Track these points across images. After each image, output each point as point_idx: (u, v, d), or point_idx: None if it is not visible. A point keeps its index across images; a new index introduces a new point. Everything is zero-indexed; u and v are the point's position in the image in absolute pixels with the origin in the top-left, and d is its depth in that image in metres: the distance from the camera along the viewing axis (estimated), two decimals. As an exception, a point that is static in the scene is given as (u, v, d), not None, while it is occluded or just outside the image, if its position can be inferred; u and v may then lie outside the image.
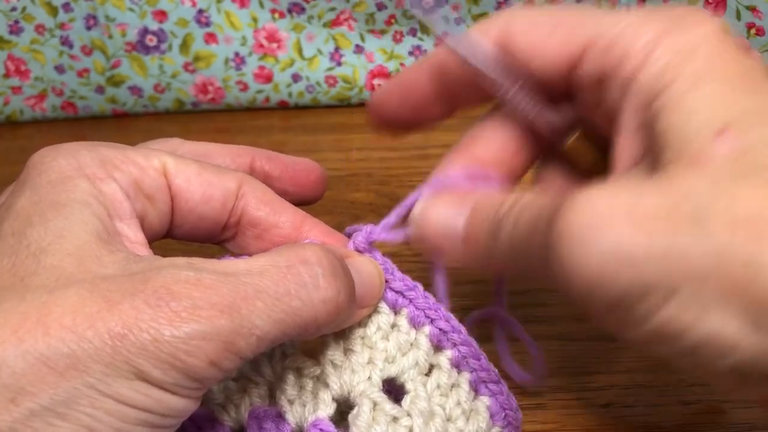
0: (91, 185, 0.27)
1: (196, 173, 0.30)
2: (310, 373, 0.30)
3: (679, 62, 0.26)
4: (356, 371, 0.30)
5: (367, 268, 0.30)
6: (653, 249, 0.23)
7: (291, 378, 0.30)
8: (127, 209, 0.28)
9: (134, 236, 0.28)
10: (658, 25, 0.27)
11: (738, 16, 0.46)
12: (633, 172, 0.27)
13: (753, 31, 0.46)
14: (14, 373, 0.22)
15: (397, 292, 0.32)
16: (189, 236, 0.31)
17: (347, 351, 0.31)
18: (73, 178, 0.27)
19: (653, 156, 0.25)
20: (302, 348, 0.31)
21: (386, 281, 0.32)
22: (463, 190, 0.31)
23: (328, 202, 0.48)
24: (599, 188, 0.25)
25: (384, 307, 0.31)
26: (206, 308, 0.24)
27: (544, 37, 0.30)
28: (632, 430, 0.34)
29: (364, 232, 0.32)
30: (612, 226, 0.23)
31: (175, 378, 0.24)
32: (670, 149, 0.25)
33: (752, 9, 0.46)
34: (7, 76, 0.55)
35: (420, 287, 0.32)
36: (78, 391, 0.23)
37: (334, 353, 0.30)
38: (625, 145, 0.27)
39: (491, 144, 0.33)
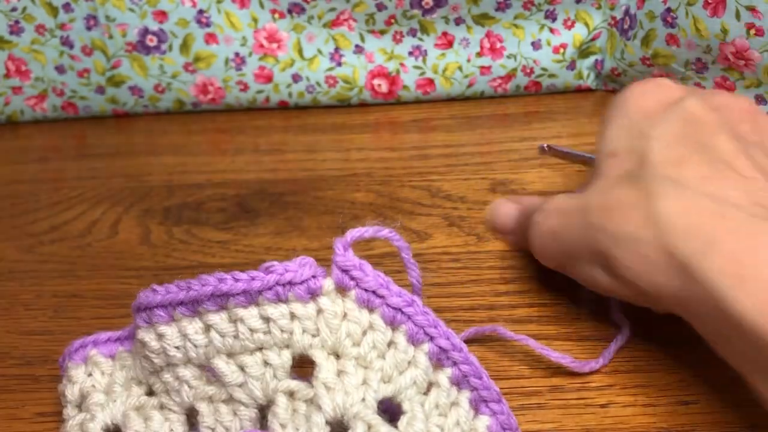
0: None
1: None
2: (303, 395, 0.30)
3: None
4: (350, 393, 0.29)
5: None
6: (563, 229, 0.35)
7: (283, 401, 0.30)
8: None
9: None
10: None
11: (737, 17, 0.46)
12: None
13: (752, 31, 0.46)
14: None
15: (394, 308, 0.31)
16: None
17: (340, 372, 0.30)
18: None
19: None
20: (295, 371, 0.31)
21: (382, 297, 0.31)
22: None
23: (328, 202, 0.48)
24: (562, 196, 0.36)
25: (380, 324, 0.31)
26: None
27: None
28: (632, 430, 0.34)
29: (342, 241, 0.31)
30: (551, 216, 0.36)
31: None
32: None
33: (752, 9, 0.46)
34: (7, 76, 0.55)
35: (419, 302, 0.31)
36: None
37: (326, 375, 0.30)
38: None
39: None
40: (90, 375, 0.34)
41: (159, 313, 0.31)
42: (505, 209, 0.41)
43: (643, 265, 0.31)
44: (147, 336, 0.32)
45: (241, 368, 0.31)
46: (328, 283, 0.31)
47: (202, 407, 0.31)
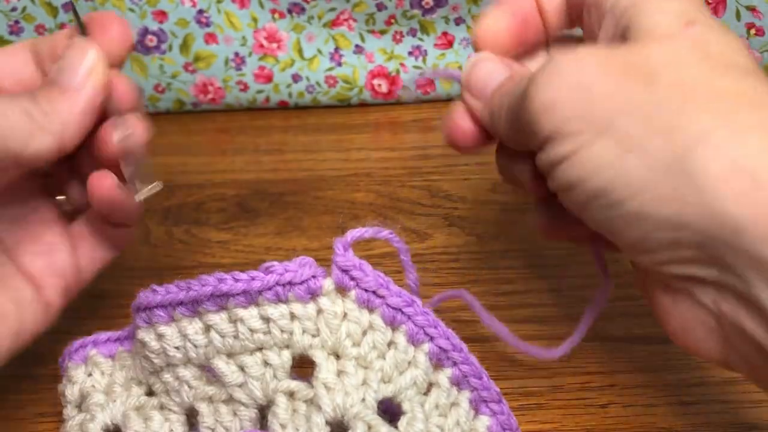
0: None
1: None
2: (303, 396, 0.30)
3: None
4: (350, 393, 0.29)
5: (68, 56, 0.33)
6: (606, 89, 0.27)
7: (283, 401, 0.30)
8: None
9: None
10: None
11: (738, 17, 0.46)
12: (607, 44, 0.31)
13: (753, 31, 0.46)
14: None
15: (394, 308, 0.31)
16: None
17: (340, 372, 0.30)
18: None
19: (624, 37, 0.29)
20: (295, 371, 0.31)
21: (382, 297, 0.31)
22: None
23: (328, 202, 0.48)
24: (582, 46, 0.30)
25: (380, 324, 0.31)
26: None
27: None
28: (632, 430, 0.34)
29: (342, 241, 0.31)
30: (583, 64, 0.27)
31: None
32: (641, 30, 0.28)
33: (752, 9, 0.46)
34: (7, 76, 0.55)
35: (418, 302, 0.31)
36: None
37: (326, 375, 0.30)
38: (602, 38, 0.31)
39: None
40: (90, 375, 0.34)
41: (159, 313, 0.31)
42: (490, 66, 0.33)
43: None
44: (147, 336, 0.32)
45: (241, 368, 0.31)
46: (328, 283, 0.31)
47: (202, 407, 0.31)
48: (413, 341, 0.31)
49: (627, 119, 0.26)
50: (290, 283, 0.30)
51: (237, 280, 0.30)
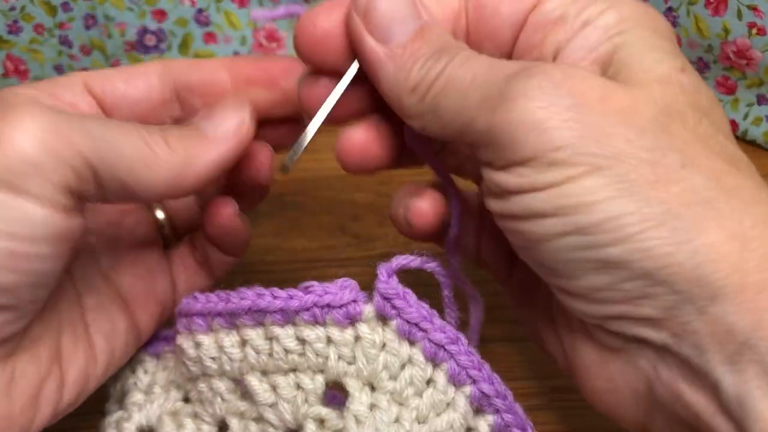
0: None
1: (114, 71, 0.32)
2: (333, 426, 0.29)
3: (624, 23, 0.27)
4: (380, 429, 0.28)
5: (220, 112, 0.30)
6: (608, 122, 0.24)
7: (312, 428, 0.29)
8: None
9: None
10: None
11: (739, 16, 0.46)
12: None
13: (754, 30, 0.46)
14: None
15: (437, 344, 0.29)
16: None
17: (373, 406, 0.29)
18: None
19: (606, 66, 0.27)
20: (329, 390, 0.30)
21: (425, 330, 0.29)
22: None
23: (328, 202, 0.48)
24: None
25: (420, 359, 0.29)
26: (36, 106, 0.26)
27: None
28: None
29: (386, 267, 0.29)
30: (581, 88, 0.25)
31: (13, 170, 0.24)
32: (635, 69, 0.26)
33: (753, 8, 0.46)
34: (6, 75, 0.55)
35: (463, 340, 0.29)
36: None
37: (358, 407, 0.28)
38: None
39: None
40: (134, 372, 0.34)
41: (198, 321, 0.31)
42: (400, 3, 0.28)
43: None
44: (186, 343, 0.31)
45: (273, 388, 0.30)
46: (368, 310, 0.29)
47: (233, 422, 0.31)
48: (454, 382, 0.29)
49: (630, 162, 0.24)
50: (329, 306, 0.29)
51: (275, 297, 0.29)
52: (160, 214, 0.35)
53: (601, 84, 0.25)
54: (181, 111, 0.33)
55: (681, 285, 0.24)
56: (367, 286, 0.31)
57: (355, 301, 0.29)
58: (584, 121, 0.24)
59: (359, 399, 0.28)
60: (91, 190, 0.27)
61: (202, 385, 0.32)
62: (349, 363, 0.29)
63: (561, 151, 0.24)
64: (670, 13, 0.49)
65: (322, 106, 0.29)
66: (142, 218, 0.35)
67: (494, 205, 0.27)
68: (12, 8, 0.52)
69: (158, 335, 0.34)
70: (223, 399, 0.31)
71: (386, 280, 0.29)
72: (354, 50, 0.28)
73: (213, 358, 0.31)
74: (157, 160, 0.28)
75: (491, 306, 0.40)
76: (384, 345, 0.29)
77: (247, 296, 0.30)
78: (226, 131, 0.30)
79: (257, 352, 0.30)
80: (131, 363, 0.34)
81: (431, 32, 0.27)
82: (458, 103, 0.26)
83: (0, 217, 0.24)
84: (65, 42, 0.53)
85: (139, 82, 0.32)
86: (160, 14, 0.52)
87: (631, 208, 0.24)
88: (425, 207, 0.30)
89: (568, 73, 0.25)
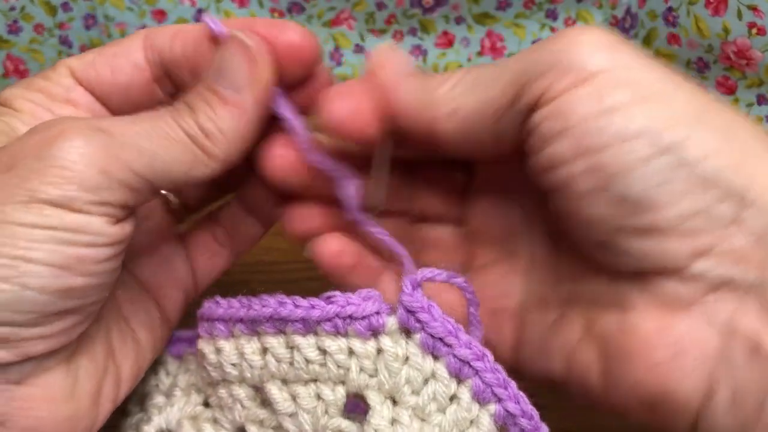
0: (3, 106, 0.30)
1: (97, 54, 0.31)
2: None
3: None
4: None
5: (227, 58, 0.29)
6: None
7: None
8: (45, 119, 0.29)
9: None
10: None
11: (739, 16, 0.46)
12: None
13: (754, 30, 0.46)
14: None
15: (462, 360, 0.28)
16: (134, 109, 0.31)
17: (394, 421, 0.28)
18: None
19: None
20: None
21: (450, 345, 0.28)
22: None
23: (327, 202, 0.48)
24: None
25: (444, 374, 0.28)
26: (84, 127, 0.26)
27: None
28: (633, 431, 0.34)
29: (411, 279, 0.28)
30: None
31: (68, 191, 0.25)
32: None
33: (753, 8, 0.46)
34: (5, 75, 0.55)
35: (490, 356, 0.28)
36: None
37: (379, 422, 0.28)
38: None
39: None
40: (156, 373, 0.33)
41: (219, 326, 0.30)
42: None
43: None
44: (206, 348, 0.31)
45: (294, 398, 0.29)
46: (391, 322, 0.28)
47: (252, 430, 0.30)
48: (479, 399, 0.28)
49: None
50: (351, 317, 0.28)
51: (297, 306, 0.29)
52: (172, 197, 0.35)
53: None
54: (172, 86, 0.32)
55: None
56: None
57: (378, 312, 0.28)
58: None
59: (380, 413, 0.28)
60: (148, 198, 0.28)
61: (222, 391, 0.31)
62: (371, 376, 0.28)
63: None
64: (670, 13, 0.49)
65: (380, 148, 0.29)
66: (153, 206, 0.34)
67: (568, 148, 0.25)
68: (12, 8, 0.52)
69: (180, 336, 0.34)
70: (243, 406, 0.31)
71: (411, 293, 0.28)
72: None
73: (234, 365, 0.30)
74: (207, 157, 0.28)
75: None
76: (407, 359, 0.28)
77: (269, 304, 0.29)
78: (245, 84, 0.28)
79: (278, 361, 0.29)
80: (153, 364, 0.34)
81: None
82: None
83: (64, 229, 0.25)
84: (65, 42, 0.53)
85: (124, 64, 0.31)
86: (160, 14, 0.52)
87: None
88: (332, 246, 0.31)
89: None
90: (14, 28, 0.53)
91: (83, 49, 0.54)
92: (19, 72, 0.55)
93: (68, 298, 0.26)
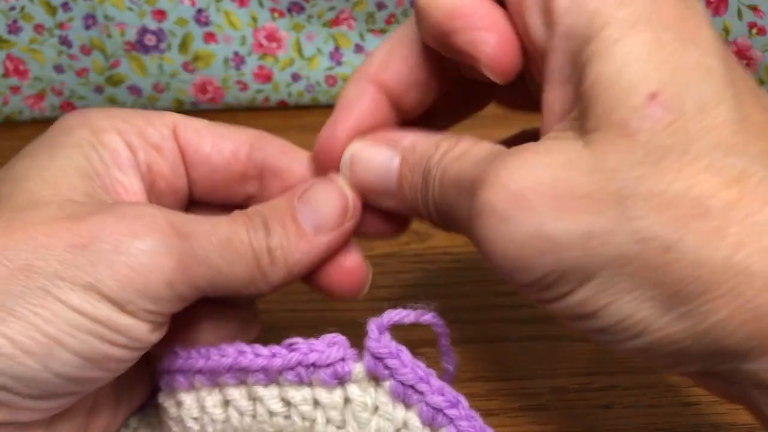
0: (91, 134, 0.28)
1: (205, 126, 0.31)
2: None
3: (611, 5, 0.23)
4: None
5: (321, 196, 0.29)
6: (574, 232, 0.22)
7: None
8: (126, 160, 0.29)
9: (131, 186, 0.29)
10: None
11: (740, 16, 0.46)
12: (561, 135, 0.24)
13: (755, 30, 0.46)
14: None
15: (434, 408, 0.26)
16: (210, 194, 0.31)
17: None
18: (75, 127, 0.29)
19: (582, 110, 0.23)
20: None
21: (421, 393, 0.26)
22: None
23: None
24: (523, 159, 0.24)
25: (417, 424, 0.26)
26: (166, 227, 0.25)
27: None
28: (633, 431, 0.34)
29: (377, 323, 0.27)
30: (535, 206, 0.23)
31: (130, 293, 0.25)
32: (600, 107, 0.23)
33: (754, 8, 0.46)
34: (5, 75, 0.54)
35: (464, 403, 0.26)
36: (28, 291, 0.24)
37: None
38: (555, 97, 0.25)
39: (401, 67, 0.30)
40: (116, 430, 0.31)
41: (179, 378, 0.29)
42: (376, 153, 0.29)
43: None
44: (167, 401, 0.29)
45: None
46: (358, 369, 0.27)
47: None
48: None
49: (609, 266, 0.22)
50: (314, 365, 0.27)
51: (257, 355, 0.27)
52: None
53: (550, 179, 0.23)
54: (257, 189, 0.31)
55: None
56: (368, 291, 0.31)
57: (343, 359, 0.27)
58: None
59: None
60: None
61: None
62: (339, 427, 0.27)
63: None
64: (670, 13, 0.50)
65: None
66: None
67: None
68: (12, 8, 0.52)
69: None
70: None
71: (377, 338, 0.27)
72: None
73: (195, 419, 0.29)
74: (262, 279, 0.28)
75: (492, 306, 0.40)
76: (377, 408, 0.27)
77: (228, 353, 0.28)
78: (327, 220, 0.28)
79: (240, 414, 0.28)
80: None
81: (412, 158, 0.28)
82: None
83: (107, 326, 0.25)
84: (65, 42, 0.53)
85: (227, 146, 0.31)
86: (160, 14, 0.52)
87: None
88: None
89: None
90: (14, 28, 0.53)
91: (83, 49, 0.54)
92: (19, 72, 0.55)
93: (79, 385, 0.26)
